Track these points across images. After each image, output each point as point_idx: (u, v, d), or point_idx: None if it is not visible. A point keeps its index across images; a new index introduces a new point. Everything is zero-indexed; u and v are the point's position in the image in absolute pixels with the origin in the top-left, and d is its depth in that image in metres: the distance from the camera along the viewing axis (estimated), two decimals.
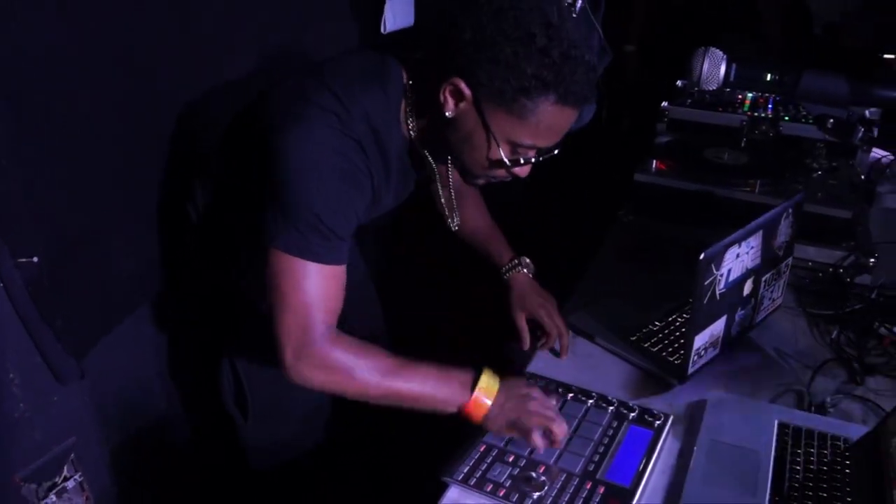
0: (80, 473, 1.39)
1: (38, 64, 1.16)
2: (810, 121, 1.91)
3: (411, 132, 1.21)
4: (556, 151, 1.19)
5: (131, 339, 1.50)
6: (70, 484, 1.37)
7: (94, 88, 1.26)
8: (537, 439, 1.14)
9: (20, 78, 1.14)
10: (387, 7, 1.96)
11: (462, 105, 1.11)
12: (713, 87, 1.28)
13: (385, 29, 1.98)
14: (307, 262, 1.11)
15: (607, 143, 2.18)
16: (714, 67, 1.27)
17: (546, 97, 1.06)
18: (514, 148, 1.13)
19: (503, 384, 1.19)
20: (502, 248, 1.54)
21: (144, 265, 1.46)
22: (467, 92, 1.09)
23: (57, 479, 1.35)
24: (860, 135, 1.40)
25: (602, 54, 1.68)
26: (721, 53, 1.26)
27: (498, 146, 1.12)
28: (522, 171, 1.18)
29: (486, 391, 1.17)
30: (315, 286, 1.12)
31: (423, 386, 1.17)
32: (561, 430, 1.15)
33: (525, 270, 1.51)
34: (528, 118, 1.08)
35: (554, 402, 1.22)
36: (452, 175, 1.44)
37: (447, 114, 1.12)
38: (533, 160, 1.17)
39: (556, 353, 1.42)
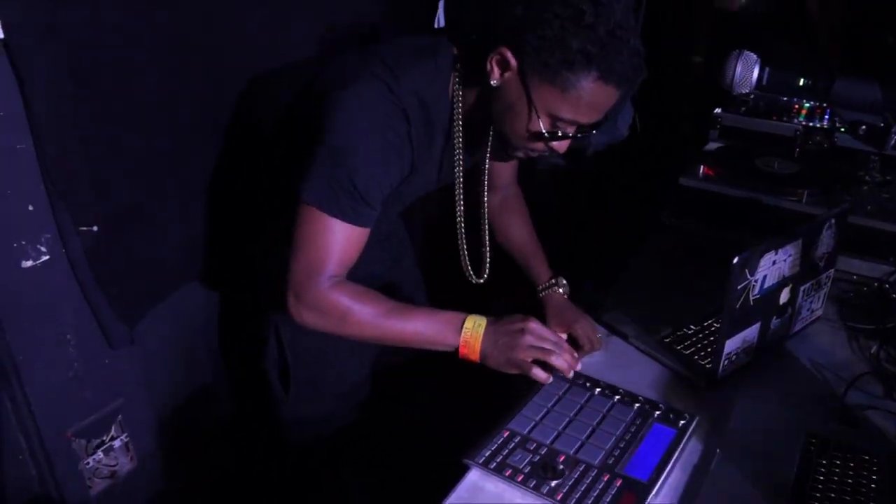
0: (126, 434, 1.47)
1: (100, 48, 1.23)
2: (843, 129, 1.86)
3: (458, 104, 1.25)
4: (595, 131, 1.21)
5: (182, 312, 1.57)
6: (117, 443, 1.45)
7: (153, 70, 1.33)
8: (538, 374, 1.20)
9: (84, 63, 1.21)
10: (441, 6, 2.00)
11: (507, 75, 1.15)
12: (746, 90, 1.28)
13: (439, 26, 2.02)
14: (331, 217, 1.17)
15: (655, 148, 2.17)
16: (747, 70, 1.27)
17: (589, 72, 1.09)
18: (555, 121, 1.16)
19: (492, 323, 1.22)
20: (542, 267, 1.57)
21: (197, 240, 1.53)
22: (513, 62, 1.13)
23: (105, 438, 1.43)
24: (893, 142, 1.36)
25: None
26: (755, 56, 1.25)
27: (538, 118, 1.15)
28: (561, 145, 1.21)
29: (473, 332, 1.21)
30: (333, 241, 1.18)
31: (415, 326, 1.22)
32: (559, 362, 1.20)
33: (561, 290, 1.53)
34: (569, 92, 1.11)
35: (557, 333, 1.25)
36: (497, 178, 1.47)
37: (492, 82, 1.16)
38: (571, 135, 1.19)
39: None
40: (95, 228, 1.27)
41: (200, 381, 1.69)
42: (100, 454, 1.42)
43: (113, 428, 1.44)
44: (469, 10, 2.00)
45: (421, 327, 1.22)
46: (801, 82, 1.24)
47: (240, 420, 1.79)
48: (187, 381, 1.65)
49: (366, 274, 1.28)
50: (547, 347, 1.20)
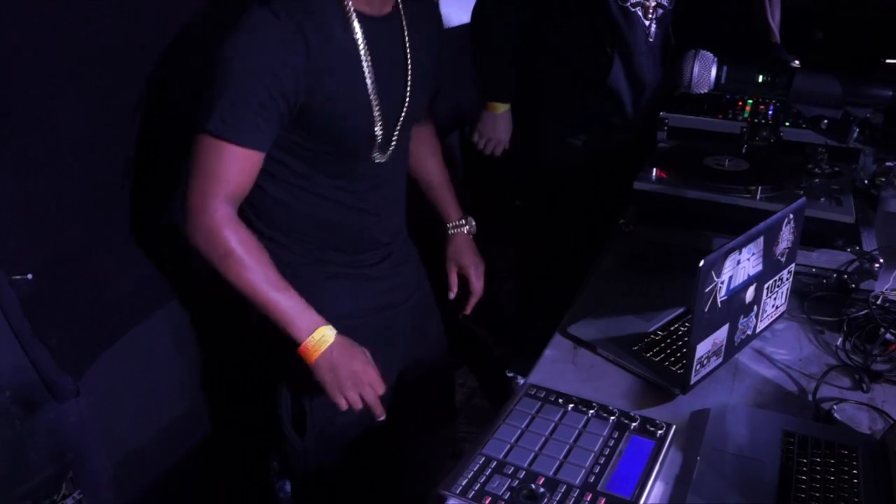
0: (78, 491, 1.38)
1: (25, 82, 1.17)
2: (805, 125, 1.88)
3: None
4: None
5: (132, 354, 1.50)
6: (69, 502, 1.37)
7: (82, 105, 1.28)
8: (339, 399, 1.33)
9: (6, 97, 1.14)
10: None
11: None
12: (704, 89, 1.27)
13: None
14: (217, 139, 1.20)
15: (608, 154, 2.17)
16: (705, 70, 1.27)
17: None
18: None
19: (340, 344, 1.32)
20: (453, 204, 1.69)
21: (141, 281, 1.47)
22: None
23: (55, 498, 1.34)
24: (855, 135, 1.38)
25: None
26: (711, 56, 1.25)
27: None
28: None
29: (316, 344, 1.30)
30: (220, 162, 1.22)
31: (280, 304, 1.28)
32: (353, 399, 1.34)
33: (466, 230, 1.68)
34: None
35: (375, 375, 1.36)
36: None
37: None
38: None
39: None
40: (30, 276, 1.20)
41: (156, 424, 1.61)
42: None
43: (63, 486, 1.35)
44: None
45: (283, 307, 1.28)
46: (761, 79, 1.24)
47: (203, 461, 1.72)
48: (143, 426, 1.58)
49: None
50: (359, 381, 1.33)
